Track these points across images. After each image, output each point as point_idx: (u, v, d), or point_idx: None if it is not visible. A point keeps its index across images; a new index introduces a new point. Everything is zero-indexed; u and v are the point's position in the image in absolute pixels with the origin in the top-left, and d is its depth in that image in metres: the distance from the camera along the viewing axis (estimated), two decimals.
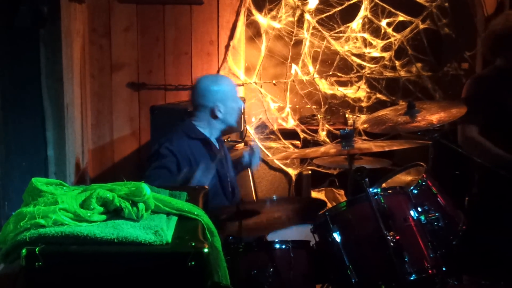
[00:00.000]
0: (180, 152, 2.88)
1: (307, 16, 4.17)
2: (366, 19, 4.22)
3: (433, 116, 2.87)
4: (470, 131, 3.10)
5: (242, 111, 3.41)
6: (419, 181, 2.66)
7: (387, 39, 4.27)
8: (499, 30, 3.13)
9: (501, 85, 3.11)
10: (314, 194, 4.46)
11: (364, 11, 4.20)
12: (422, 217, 2.53)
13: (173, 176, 2.81)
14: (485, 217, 3.11)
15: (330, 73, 4.34)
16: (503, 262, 2.98)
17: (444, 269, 2.46)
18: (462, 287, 2.84)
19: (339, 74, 4.37)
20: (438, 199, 2.68)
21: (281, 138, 4.24)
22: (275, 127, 4.26)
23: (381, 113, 3.13)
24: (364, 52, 4.31)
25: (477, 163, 3.07)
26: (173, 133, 2.98)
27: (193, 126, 3.01)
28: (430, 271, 2.40)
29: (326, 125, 4.36)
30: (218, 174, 2.98)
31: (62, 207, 1.53)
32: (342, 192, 4.55)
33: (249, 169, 3.99)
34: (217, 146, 3.09)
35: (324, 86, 4.35)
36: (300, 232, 2.77)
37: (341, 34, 4.25)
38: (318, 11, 4.17)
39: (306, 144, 4.29)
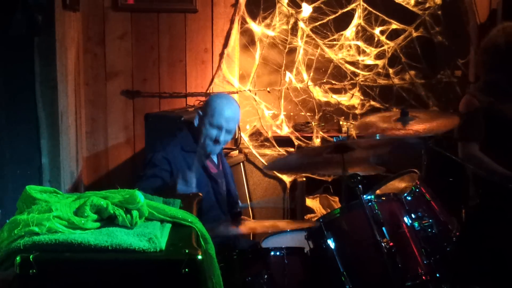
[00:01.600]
0: (175, 162, 2.84)
1: (301, 24, 4.19)
2: (359, 27, 4.24)
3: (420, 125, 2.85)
4: (471, 149, 2.99)
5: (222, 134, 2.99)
6: (413, 187, 2.67)
7: (380, 47, 4.30)
8: (501, 45, 2.98)
9: (498, 100, 3.00)
10: (309, 201, 4.46)
11: (357, 19, 4.22)
12: (416, 224, 2.54)
13: (166, 185, 2.76)
14: (484, 227, 2.99)
15: (324, 80, 4.35)
16: (498, 270, 2.96)
17: (438, 275, 2.47)
18: None
19: (333, 82, 4.39)
20: (432, 205, 2.69)
21: (276, 145, 4.24)
22: (270, 134, 4.27)
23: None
24: (358, 60, 4.32)
25: (477, 175, 3.01)
26: (170, 141, 2.96)
27: (189, 138, 2.97)
28: (424, 277, 2.41)
29: (320, 132, 4.37)
30: (212, 188, 2.97)
31: (56, 215, 1.53)
32: (336, 198, 4.56)
33: (243, 176, 4.00)
34: (215, 160, 3.08)
35: (318, 94, 4.36)
36: (295, 239, 2.77)
37: (334, 42, 4.27)
38: (312, 19, 4.19)
39: None
